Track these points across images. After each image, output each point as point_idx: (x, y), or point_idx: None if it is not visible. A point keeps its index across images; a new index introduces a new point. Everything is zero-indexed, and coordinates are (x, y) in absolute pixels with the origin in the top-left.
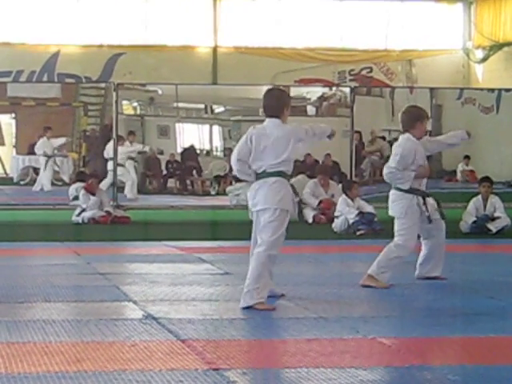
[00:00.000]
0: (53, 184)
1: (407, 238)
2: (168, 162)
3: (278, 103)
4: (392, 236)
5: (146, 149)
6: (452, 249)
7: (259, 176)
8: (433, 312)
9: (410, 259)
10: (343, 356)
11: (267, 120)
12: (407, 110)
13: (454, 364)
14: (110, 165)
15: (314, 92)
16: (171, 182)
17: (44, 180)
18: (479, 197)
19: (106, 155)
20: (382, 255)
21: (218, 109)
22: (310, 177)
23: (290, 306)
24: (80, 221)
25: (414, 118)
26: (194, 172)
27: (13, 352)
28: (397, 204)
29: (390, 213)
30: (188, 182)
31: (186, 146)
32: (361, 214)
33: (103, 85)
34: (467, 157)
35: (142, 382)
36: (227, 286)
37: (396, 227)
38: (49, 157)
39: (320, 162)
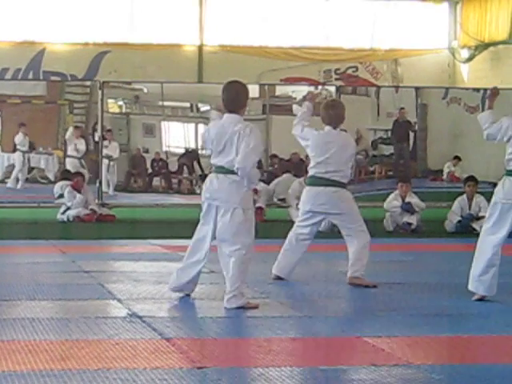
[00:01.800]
0: (38, 182)
1: (365, 228)
2: (153, 161)
3: (240, 97)
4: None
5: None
6: (437, 248)
7: (220, 170)
8: (418, 311)
9: (396, 259)
10: (328, 355)
11: (226, 115)
12: (338, 105)
13: (439, 363)
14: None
15: (300, 91)
16: (156, 181)
17: (20, 176)
18: (464, 196)
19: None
20: (357, 258)
21: (204, 107)
22: (296, 175)
23: (275, 305)
24: (65, 219)
25: (343, 116)
26: (186, 170)
27: None
28: (349, 200)
29: (341, 210)
30: (175, 180)
31: (189, 148)
32: None
33: (89, 83)
34: (457, 157)
35: (127, 381)
36: (212, 284)
37: (351, 225)
38: (24, 153)
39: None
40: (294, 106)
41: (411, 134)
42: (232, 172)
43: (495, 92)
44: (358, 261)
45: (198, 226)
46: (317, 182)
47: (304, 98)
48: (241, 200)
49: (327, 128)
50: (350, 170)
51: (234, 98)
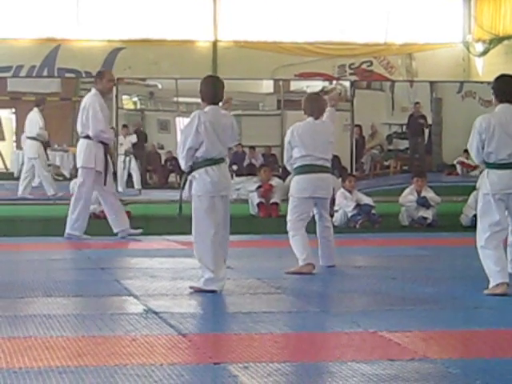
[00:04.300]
0: (53, 179)
1: None
2: (166, 160)
3: (222, 91)
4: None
5: (134, 139)
6: (453, 242)
7: (219, 160)
8: (434, 305)
9: (412, 253)
10: (344, 350)
11: (212, 107)
12: (319, 98)
13: (456, 357)
14: None
15: (314, 86)
16: (172, 177)
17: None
18: None
19: None
20: (332, 245)
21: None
22: None
23: (290, 300)
24: None
25: (322, 107)
26: None
27: (14, 347)
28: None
29: (330, 194)
30: None
31: None
32: (358, 206)
33: None
34: (467, 151)
35: (143, 377)
36: (228, 280)
37: (327, 208)
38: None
39: None
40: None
41: (426, 129)
42: (224, 160)
43: None
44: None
45: (208, 228)
46: (313, 169)
47: None
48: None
49: (310, 119)
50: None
51: (220, 92)
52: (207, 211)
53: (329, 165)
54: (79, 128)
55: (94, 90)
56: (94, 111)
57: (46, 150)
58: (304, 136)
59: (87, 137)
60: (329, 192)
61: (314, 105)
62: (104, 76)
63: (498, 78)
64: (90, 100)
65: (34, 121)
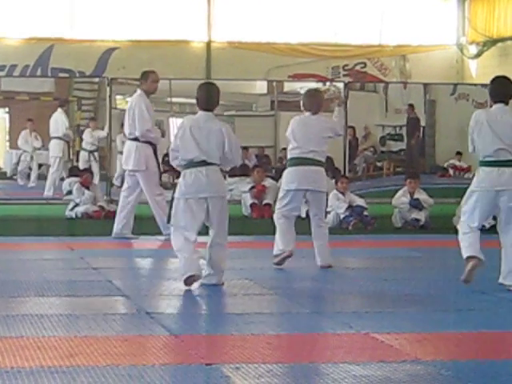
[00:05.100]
0: (46, 178)
1: None
2: (165, 155)
3: (217, 98)
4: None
5: (105, 134)
6: (445, 244)
7: (202, 164)
8: (425, 307)
9: (405, 255)
10: (336, 351)
11: (203, 113)
12: (318, 94)
13: (447, 359)
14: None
15: (308, 87)
16: (165, 177)
17: (32, 173)
18: None
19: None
20: (325, 245)
21: None
22: None
23: (283, 301)
24: (73, 215)
25: (320, 103)
26: None
27: (6, 346)
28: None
29: (322, 188)
30: None
31: None
32: (350, 207)
33: (97, 79)
34: (459, 153)
35: (135, 377)
36: None
37: (322, 206)
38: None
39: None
40: None
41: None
42: (213, 164)
43: None
44: (326, 250)
45: (183, 229)
46: (302, 161)
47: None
48: (225, 188)
49: (307, 113)
50: (326, 149)
51: (214, 98)
52: (182, 212)
53: (320, 158)
54: (127, 129)
55: (139, 91)
56: (139, 111)
57: (69, 149)
58: (297, 129)
59: (135, 139)
60: (320, 185)
61: (312, 100)
62: (149, 77)
63: (493, 80)
64: (135, 101)
65: (60, 121)
